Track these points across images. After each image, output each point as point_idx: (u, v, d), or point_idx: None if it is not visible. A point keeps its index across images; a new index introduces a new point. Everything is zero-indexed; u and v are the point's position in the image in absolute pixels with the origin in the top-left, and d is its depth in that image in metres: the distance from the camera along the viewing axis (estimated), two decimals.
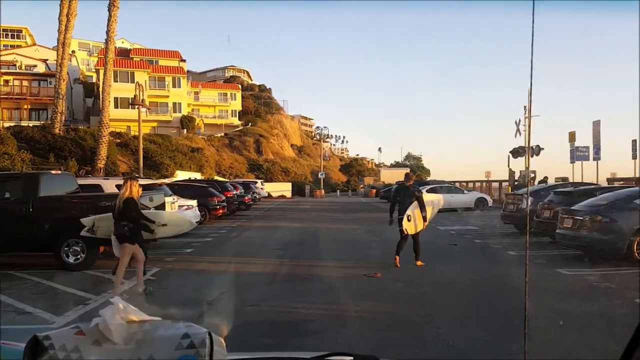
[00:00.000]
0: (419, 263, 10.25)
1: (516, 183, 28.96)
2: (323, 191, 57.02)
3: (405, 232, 10.21)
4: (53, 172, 11.81)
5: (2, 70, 49.11)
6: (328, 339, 5.69)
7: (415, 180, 11.72)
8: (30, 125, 38.35)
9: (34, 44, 61.68)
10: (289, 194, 53.81)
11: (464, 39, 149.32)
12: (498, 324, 6.10)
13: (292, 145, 79.54)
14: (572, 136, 30.86)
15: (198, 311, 6.76)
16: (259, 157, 64.49)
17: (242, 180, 38.60)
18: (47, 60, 53.51)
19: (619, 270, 9.45)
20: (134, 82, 37.65)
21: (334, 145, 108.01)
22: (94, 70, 57.46)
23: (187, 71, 64.36)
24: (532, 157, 28.01)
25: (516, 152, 29.74)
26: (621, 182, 23.44)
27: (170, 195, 14.25)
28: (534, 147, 28.26)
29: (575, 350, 5.32)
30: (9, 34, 64.39)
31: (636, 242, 9.71)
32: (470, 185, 39.14)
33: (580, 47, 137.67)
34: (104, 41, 32.54)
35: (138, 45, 66.83)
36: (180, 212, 13.81)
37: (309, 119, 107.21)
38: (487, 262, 11.41)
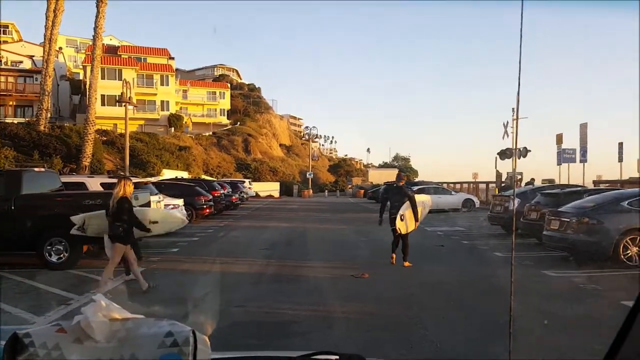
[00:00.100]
0: (406, 264, 10.24)
1: (503, 184, 29.13)
2: (311, 191, 56.97)
3: (398, 232, 10.21)
4: (36, 169, 11.61)
5: None
6: (315, 340, 5.62)
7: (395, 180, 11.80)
8: (15, 122, 37.81)
9: (21, 40, 60.85)
10: (277, 194, 53.70)
11: (454, 40, 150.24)
12: (485, 325, 6.08)
13: (280, 145, 79.41)
14: (559, 138, 31.09)
15: (182, 310, 6.66)
16: (247, 156, 64.27)
17: (229, 179, 38.40)
18: (33, 56, 52.78)
19: (605, 272, 9.51)
20: (121, 80, 37.26)
21: (322, 145, 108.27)
22: (81, 67, 56.88)
23: (176, 69, 63.96)
24: (519, 159, 28.20)
25: (503, 154, 29.89)
26: (607, 185, 23.63)
27: (156, 194, 14.10)
28: (521, 149, 28.42)
29: (560, 350, 5.33)
30: None
31: (622, 244, 9.76)
32: (458, 186, 39.30)
33: (567, 49, 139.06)
34: (92, 38, 32.18)
35: (126, 42, 66.26)
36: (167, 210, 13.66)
37: (298, 118, 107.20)
38: (474, 263, 11.42)
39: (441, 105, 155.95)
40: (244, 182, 40.09)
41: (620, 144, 27.13)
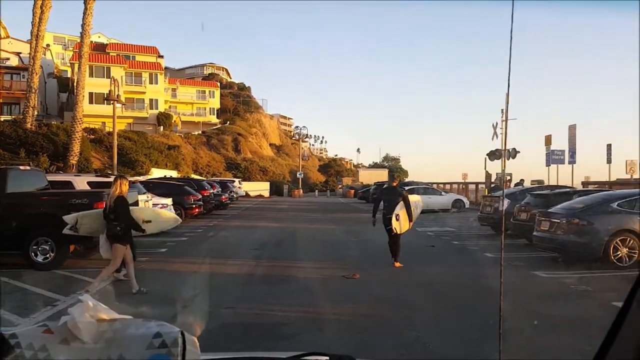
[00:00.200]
0: (397, 264, 10.23)
1: (493, 185, 29.23)
2: (301, 191, 56.88)
3: (395, 232, 10.22)
4: (21, 167, 11.41)
5: None
6: (305, 342, 5.55)
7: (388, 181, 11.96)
8: (1, 119, 37.32)
9: (7, 37, 60.01)
10: (267, 194, 53.56)
11: (445, 41, 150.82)
12: (477, 326, 6.03)
13: (270, 145, 79.25)
14: (548, 140, 31.28)
15: (171, 311, 6.57)
16: (237, 155, 64.02)
17: (219, 179, 38.22)
18: (20, 53, 52.10)
19: (595, 273, 9.53)
20: (109, 77, 36.90)
21: (312, 145, 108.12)
22: (69, 64, 56.25)
23: (165, 67, 63.51)
24: (508, 159, 28.26)
25: (493, 155, 30.00)
26: (595, 186, 23.81)
27: (144, 193, 13.94)
28: (510, 150, 28.51)
29: (551, 351, 5.32)
30: None
31: (612, 245, 9.79)
32: (448, 187, 39.43)
33: (557, 51, 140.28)
34: (79, 35, 31.82)
35: (115, 40, 65.67)
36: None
37: (288, 118, 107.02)
38: (465, 263, 11.41)
39: (431, 106, 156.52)
40: (233, 181, 39.91)
41: (609, 146, 27.36)
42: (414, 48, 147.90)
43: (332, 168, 79.54)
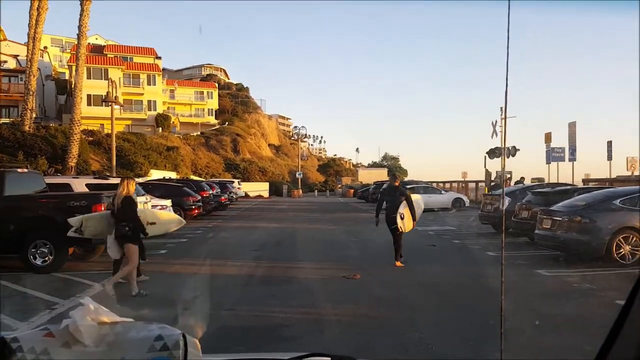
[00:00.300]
0: (398, 264, 10.18)
1: (493, 184, 29.16)
2: (301, 191, 56.81)
3: (400, 230, 10.20)
4: (19, 170, 11.33)
5: None
6: (306, 344, 5.48)
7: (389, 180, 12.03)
8: (0, 122, 37.23)
9: (5, 39, 59.88)
10: (266, 194, 53.49)
11: (445, 40, 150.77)
12: (480, 326, 5.97)
13: (269, 145, 79.15)
14: (548, 137, 31.24)
15: (172, 313, 6.51)
16: (236, 156, 63.92)
17: (218, 179, 38.15)
18: (18, 55, 51.96)
19: (598, 271, 9.46)
20: (107, 79, 36.82)
21: (311, 145, 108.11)
22: (67, 66, 56.13)
23: (163, 69, 63.44)
24: (508, 158, 28.16)
25: (492, 153, 29.91)
26: (595, 183, 23.74)
27: (143, 195, 13.86)
28: (510, 148, 28.42)
29: (553, 350, 5.27)
30: None
31: (615, 243, 9.73)
32: (448, 185, 39.38)
33: (556, 49, 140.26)
34: (76, 36, 31.73)
35: (112, 41, 65.57)
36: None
37: (287, 118, 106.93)
38: (466, 263, 11.34)
39: (431, 105, 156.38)
40: (233, 182, 39.83)
41: (609, 143, 27.32)
42: (413, 47, 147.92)
43: (332, 168, 79.47)
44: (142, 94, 56.42)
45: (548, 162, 30.78)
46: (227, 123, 70.30)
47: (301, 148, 71.74)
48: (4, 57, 52.82)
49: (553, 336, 5.78)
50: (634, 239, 9.79)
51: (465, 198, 30.93)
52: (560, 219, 10.44)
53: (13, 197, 10.12)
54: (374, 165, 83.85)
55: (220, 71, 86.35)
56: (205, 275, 9.44)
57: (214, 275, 9.38)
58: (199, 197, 21.55)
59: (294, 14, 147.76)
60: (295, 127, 73.70)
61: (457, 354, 5.31)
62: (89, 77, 48.42)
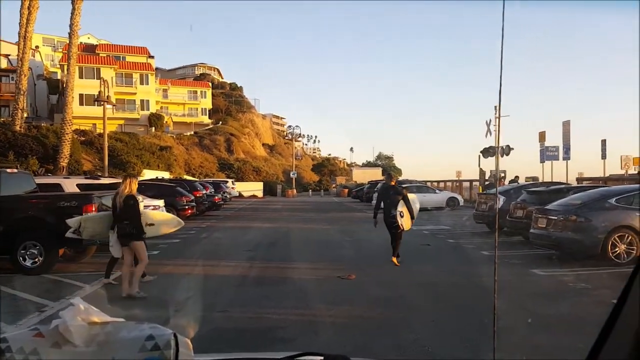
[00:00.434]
0: (394, 259, 10.20)
1: (487, 183, 29.15)
2: (295, 191, 56.71)
3: (401, 228, 10.26)
4: (8, 170, 11.18)
5: None
6: (301, 346, 5.37)
7: (385, 180, 12.18)
8: None
9: None
10: (260, 194, 53.34)
11: (438, 39, 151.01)
12: (475, 326, 5.90)
13: (263, 145, 78.98)
14: (542, 136, 31.29)
15: (164, 314, 6.40)
16: (230, 156, 63.72)
17: (212, 179, 37.98)
18: (9, 55, 51.54)
19: (593, 270, 9.42)
20: (99, 79, 36.55)
21: (306, 144, 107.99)
22: (59, 66, 55.73)
23: (156, 68, 63.13)
24: (502, 156, 28.21)
25: (487, 152, 29.90)
26: (589, 182, 23.77)
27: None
28: (504, 147, 28.46)
29: (547, 349, 5.23)
30: None
31: (610, 242, 9.69)
32: (442, 184, 39.40)
33: (551, 48, 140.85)
34: (68, 35, 31.46)
35: (105, 41, 65.17)
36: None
37: (281, 118, 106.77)
38: (461, 262, 11.27)
39: (425, 104, 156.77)
40: (226, 182, 39.67)
41: (604, 141, 27.40)
42: (408, 47, 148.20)
43: (326, 167, 79.35)
44: (135, 94, 56.10)
45: (542, 161, 30.85)
46: (220, 122, 70.08)
47: (295, 148, 71.61)
48: None
49: (547, 335, 5.73)
50: (630, 237, 9.76)
51: (459, 197, 30.93)
52: (556, 218, 10.40)
53: (2, 198, 9.99)
54: (368, 164, 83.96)
55: (214, 70, 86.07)
56: (198, 276, 9.33)
57: (207, 276, 9.27)
58: (192, 197, 21.41)
59: (288, 14, 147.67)
60: (290, 126, 73.60)
61: (455, 354, 5.25)
62: (81, 77, 48.07)
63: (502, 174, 27.82)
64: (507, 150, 28.12)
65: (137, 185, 8.05)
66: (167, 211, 16.62)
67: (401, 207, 10.31)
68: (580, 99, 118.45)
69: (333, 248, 13.55)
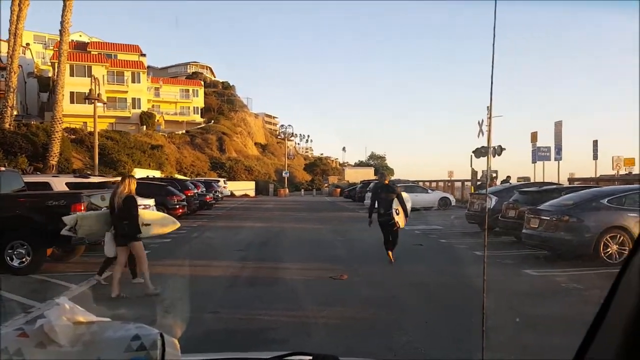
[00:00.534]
0: (390, 254, 10.31)
1: (479, 183, 29.21)
2: (287, 190, 56.60)
3: (397, 226, 10.36)
4: None
5: None
6: (293, 347, 5.26)
7: (378, 179, 12.27)
8: None
9: None
10: (252, 193, 53.20)
11: (431, 39, 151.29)
12: (467, 326, 5.85)
13: (256, 144, 78.76)
14: (534, 136, 31.40)
15: (153, 315, 6.31)
16: (222, 155, 63.49)
17: (204, 178, 37.81)
18: None
19: (586, 271, 9.42)
20: (90, 76, 36.25)
21: (298, 144, 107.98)
22: (50, 63, 55.24)
23: (148, 66, 62.75)
24: (494, 157, 28.27)
25: (479, 152, 29.96)
26: (579, 182, 23.89)
27: None
28: (496, 147, 28.53)
29: (537, 349, 5.22)
30: None
31: (602, 242, 9.70)
32: (434, 184, 39.44)
33: (543, 48, 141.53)
34: (59, 32, 31.16)
35: (96, 38, 64.68)
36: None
37: (274, 117, 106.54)
38: (454, 262, 11.23)
39: (417, 104, 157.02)
40: (218, 181, 39.50)
41: (595, 142, 27.54)
42: (399, 47, 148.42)
43: (318, 167, 79.26)
44: (127, 92, 55.74)
45: (534, 161, 30.95)
46: (212, 121, 69.80)
47: (288, 147, 71.53)
48: None
49: (538, 335, 5.71)
50: (621, 238, 9.77)
51: (451, 197, 30.95)
52: (548, 218, 10.40)
53: None
54: (360, 164, 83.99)
55: (206, 69, 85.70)
56: (188, 277, 9.22)
57: (197, 277, 9.18)
58: (184, 196, 21.27)
59: (281, 13, 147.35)
60: (282, 125, 73.49)
61: (448, 355, 5.21)
62: (72, 75, 47.69)
63: (494, 174, 27.91)
64: (499, 151, 28.20)
65: (135, 186, 8.00)
66: (158, 210, 16.52)
67: (396, 205, 10.39)
68: (573, 99, 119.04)
69: (325, 248, 13.48)
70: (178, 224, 9.26)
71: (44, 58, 63.04)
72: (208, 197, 27.65)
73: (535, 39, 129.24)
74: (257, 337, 5.75)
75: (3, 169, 11.35)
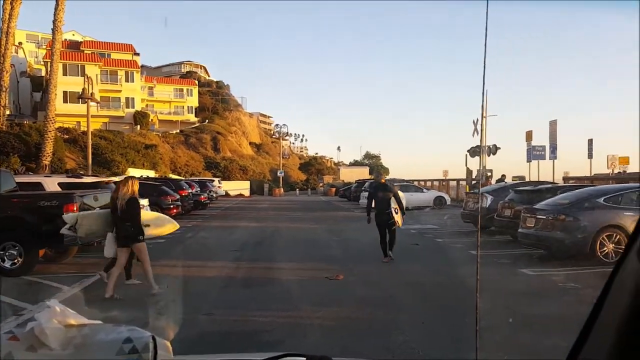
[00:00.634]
0: (390, 253, 10.42)
1: (474, 182, 29.24)
2: (282, 190, 56.50)
3: (396, 225, 10.44)
4: None
5: None
6: (288, 348, 5.22)
7: (372, 179, 12.37)
8: None
9: None
10: (247, 193, 53.08)
11: (426, 38, 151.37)
12: (463, 326, 5.81)
13: (250, 143, 78.61)
14: (528, 135, 31.46)
15: (145, 317, 6.22)
16: (216, 154, 63.32)
17: (198, 178, 37.66)
18: None
19: (582, 270, 9.40)
20: (84, 76, 36.06)
21: (293, 143, 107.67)
22: (43, 63, 54.86)
23: (141, 65, 62.49)
24: (489, 156, 28.31)
25: (474, 151, 29.99)
26: (574, 181, 23.93)
27: None
28: (490, 146, 28.58)
29: (533, 349, 5.21)
30: None
31: (599, 241, 9.68)
32: (429, 184, 39.45)
33: (537, 48, 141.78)
34: (51, 31, 30.94)
35: (90, 38, 64.33)
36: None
37: (268, 116, 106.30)
38: (450, 262, 11.21)
39: (412, 103, 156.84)
40: (213, 181, 39.36)
41: (590, 141, 27.59)
42: (394, 46, 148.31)
43: (313, 166, 79.15)
44: (120, 91, 55.47)
45: (529, 160, 31.00)
46: (207, 121, 69.59)
47: (282, 146, 71.44)
48: None
49: (535, 335, 5.68)
50: (617, 237, 9.76)
51: (446, 196, 30.96)
52: (544, 217, 10.38)
53: None
54: (355, 163, 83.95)
55: (201, 68, 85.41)
56: (182, 278, 9.13)
57: (191, 277, 9.10)
58: (178, 196, 21.14)
59: (279, 13, 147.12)
60: (277, 125, 73.43)
61: (445, 355, 5.18)
62: (65, 74, 47.41)
63: (489, 173, 27.93)
64: (493, 150, 28.24)
65: (138, 187, 7.93)
66: (152, 210, 16.40)
67: (394, 204, 10.44)
68: (569, 99, 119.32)
69: (320, 248, 13.43)
70: (177, 226, 9.18)
71: (36, 57, 62.60)
72: (202, 197, 27.53)
73: (533, 39, 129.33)
74: (252, 339, 5.69)
75: None
